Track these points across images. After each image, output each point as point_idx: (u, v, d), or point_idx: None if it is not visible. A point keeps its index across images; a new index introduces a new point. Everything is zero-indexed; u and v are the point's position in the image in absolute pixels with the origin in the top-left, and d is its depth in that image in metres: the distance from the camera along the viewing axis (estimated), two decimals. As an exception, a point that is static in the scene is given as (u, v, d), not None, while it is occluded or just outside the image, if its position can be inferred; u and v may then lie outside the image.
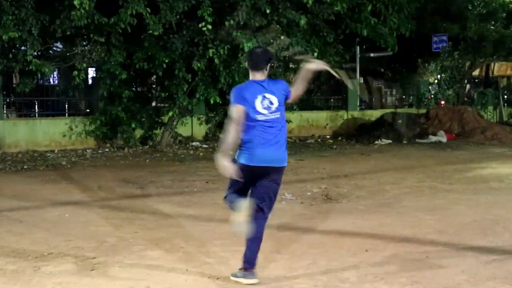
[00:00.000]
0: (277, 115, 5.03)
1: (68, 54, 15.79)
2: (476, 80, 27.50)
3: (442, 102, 23.77)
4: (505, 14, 22.50)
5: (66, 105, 18.56)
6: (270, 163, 5.02)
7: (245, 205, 4.95)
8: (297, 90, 5.25)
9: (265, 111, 4.98)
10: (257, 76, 5.08)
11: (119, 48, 14.82)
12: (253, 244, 5.16)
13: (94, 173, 12.17)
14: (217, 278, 5.32)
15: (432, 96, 24.53)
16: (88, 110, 18.11)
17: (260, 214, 5.13)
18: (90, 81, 18.89)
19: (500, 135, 19.34)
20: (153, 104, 18.15)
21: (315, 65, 5.30)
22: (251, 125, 4.97)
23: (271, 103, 5.01)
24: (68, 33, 14.78)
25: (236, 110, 4.94)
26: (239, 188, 5.10)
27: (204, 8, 14.30)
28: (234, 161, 5.00)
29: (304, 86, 5.28)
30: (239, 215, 4.95)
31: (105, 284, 5.19)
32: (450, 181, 11.00)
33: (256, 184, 5.10)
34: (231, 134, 4.91)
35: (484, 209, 8.46)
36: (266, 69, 5.10)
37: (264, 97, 5.00)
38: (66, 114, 17.82)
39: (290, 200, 9.21)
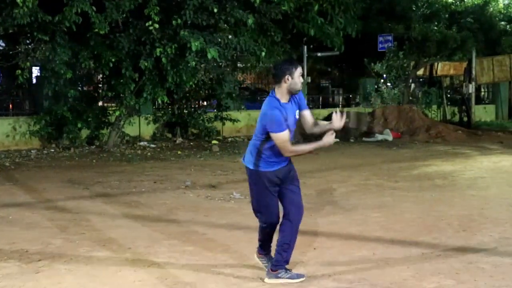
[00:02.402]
0: None
1: (11, 52, 15.42)
2: (421, 80, 28.00)
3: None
4: (447, 15, 22.98)
5: (10, 105, 18.15)
6: None
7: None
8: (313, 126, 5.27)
9: None
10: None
11: (64, 47, 14.53)
12: None
13: (39, 174, 11.93)
14: (166, 279, 5.28)
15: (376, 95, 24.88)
16: (32, 110, 17.74)
17: None
18: (34, 80, 18.53)
19: (443, 133, 19.77)
20: (100, 103, 17.90)
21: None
22: None
23: None
24: (11, 31, 14.45)
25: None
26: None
27: (151, 7, 14.16)
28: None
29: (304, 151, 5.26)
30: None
31: (51, 287, 5.10)
32: (396, 179, 11.19)
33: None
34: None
35: (429, 206, 8.64)
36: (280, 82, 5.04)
37: None
38: (10, 114, 17.41)
39: (239, 199, 9.22)
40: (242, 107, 19.90)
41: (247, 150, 5.24)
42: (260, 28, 16.63)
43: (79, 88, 17.01)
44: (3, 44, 17.13)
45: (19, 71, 14.38)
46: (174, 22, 14.52)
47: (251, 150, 5.18)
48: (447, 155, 15.17)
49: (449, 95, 26.29)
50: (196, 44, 14.04)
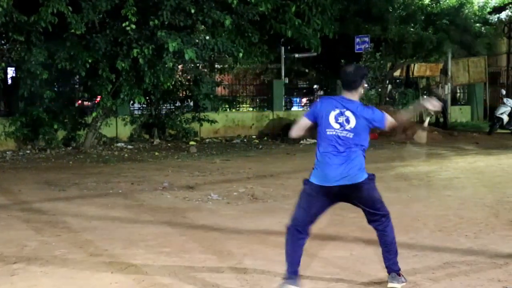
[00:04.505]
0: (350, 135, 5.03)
1: (-15, 53, 15.27)
2: (397, 81, 28.15)
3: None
4: (423, 17, 23.13)
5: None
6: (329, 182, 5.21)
7: None
8: (400, 115, 5.16)
9: (337, 126, 4.96)
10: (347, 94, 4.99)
11: (40, 47, 14.41)
12: None
13: (15, 175, 11.81)
14: (143, 280, 5.26)
15: None
16: (7, 111, 17.55)
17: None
18: (9, 81, 18.34)
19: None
20: (76, 104, 17.76)
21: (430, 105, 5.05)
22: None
23: (348, 121, 4.97)
24: (-15, 31, 14.31)
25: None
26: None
27: (128, 8, 14.09)
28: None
29: (409, 116, 5.23)
30: None
31: (26, 289, 5.06)
32: (373, 179, 11.22)
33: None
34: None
35: (405, 206, 8.69)
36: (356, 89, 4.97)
37: (342, 113, 4.94)
38: (-15, 115, 17.22)
39: (217, 200, 9.21)
40: (220, 108, 19.96)
41: (351, 167, 5.16)
42: (237, 29, 16.62)
43: (55, 89, 16.86)
44: (-23, 45, 16.93)
45: (-6, 72, 14.24)
46: (151, 22, 14.47)
47: (360, 163, 5.22)
48: (423, 155, 15.27)
49: (425, 96, 26.46)
50: (174, 45, 14.00)
